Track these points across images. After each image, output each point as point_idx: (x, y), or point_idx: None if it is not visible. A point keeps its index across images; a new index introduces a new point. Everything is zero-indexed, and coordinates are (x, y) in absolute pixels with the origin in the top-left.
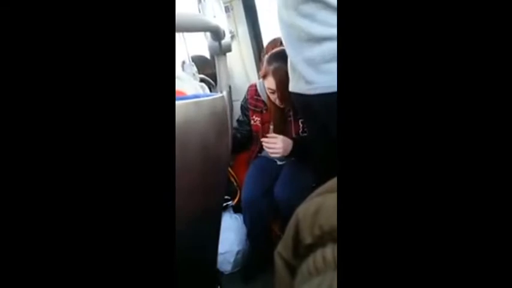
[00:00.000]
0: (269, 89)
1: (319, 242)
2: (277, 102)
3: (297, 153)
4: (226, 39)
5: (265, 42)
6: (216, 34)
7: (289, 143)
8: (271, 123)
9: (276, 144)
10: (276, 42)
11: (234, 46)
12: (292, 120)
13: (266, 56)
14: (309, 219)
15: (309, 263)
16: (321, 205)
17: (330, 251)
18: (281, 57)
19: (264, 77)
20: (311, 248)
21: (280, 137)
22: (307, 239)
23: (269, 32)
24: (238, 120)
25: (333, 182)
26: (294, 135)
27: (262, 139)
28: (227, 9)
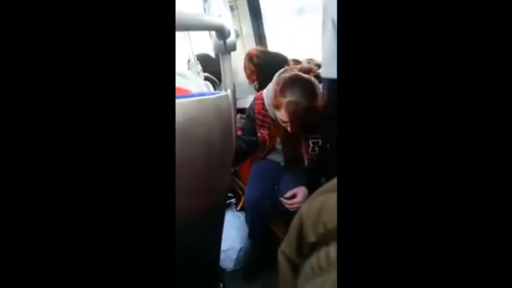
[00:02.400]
0: (281, 119)
1: (323, 240)
2: (288, 129)
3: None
4: (231, 38)
5: (268, 41)
6: (221, 33)
7: (304, 191)
8: (279, 138)
9: (296, 204)
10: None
11: (238, 45)
12: (303, 140)
13: (279, 84)
14: (312, 218)
15: (313, 261)
16: (325, 203)
17: (333, 250)
18: (295, 87)
19: (277, 108)
20: (315, 247)
21: (298, 192)
22: (311, 238)
23: (273, 31)
24: (243, 129)
25: (335, 181)
26: (304, 154)
27: (282, 199)
28: (232, 8)
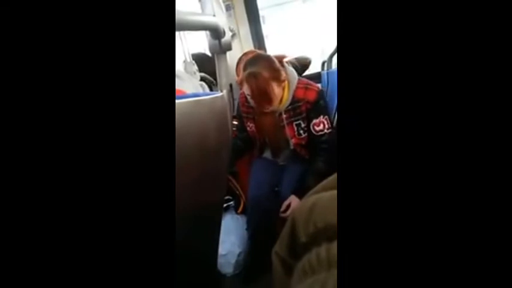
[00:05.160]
0: (247, 94)
1: (314, 240)
2: (252, 103)
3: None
4: (226, 38)
5: (266, 41)
6: (216, 33)
7: (296, 199)
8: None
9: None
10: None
11: (235, 45)
12: (286, 124)
13: (242, 63)
14: (304, 217)
15: (304, 262)
16: (316, 203)
17: (323, 250)
18: (255, 62)
19: (241, 83)
20: (307, 247)
21: (291, 201)
22: (302, 238)
23: (270, 30)
24: (236, 127)
25: (328, 181)
26: (290, 138)
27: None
28: (228, 8)
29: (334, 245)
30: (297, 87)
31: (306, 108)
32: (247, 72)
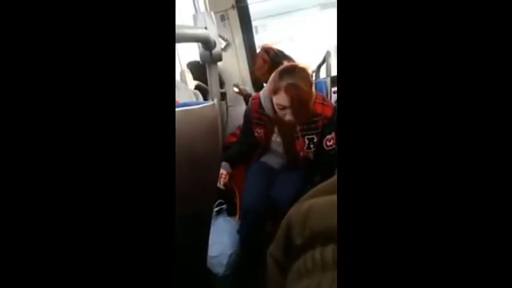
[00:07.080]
0: (279, 105)
1: (309, 243)
2: (286, 118)
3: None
4: (217, 49)
5: (258, 49)
6: (207, 44)
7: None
8: (276, 135)
9: None
10: (265, 51)
11: (231, 54)
12: (299, 136)
13: (276, 71)
14: (299, 221)
15: (299, 264)
16: (312, 206)
17: (319, 253)
18: (293, 73)
19: (275, 92)
20: (302, 249)
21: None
22: (298, 240)
23: (262, 39)
24: (241, 131)
25: (323, 186)
26: (299, 151)
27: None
28: (223, 18)
29: (329, 248)
30: (315, 102)
31: (322, 123)
32: (286, 82)
